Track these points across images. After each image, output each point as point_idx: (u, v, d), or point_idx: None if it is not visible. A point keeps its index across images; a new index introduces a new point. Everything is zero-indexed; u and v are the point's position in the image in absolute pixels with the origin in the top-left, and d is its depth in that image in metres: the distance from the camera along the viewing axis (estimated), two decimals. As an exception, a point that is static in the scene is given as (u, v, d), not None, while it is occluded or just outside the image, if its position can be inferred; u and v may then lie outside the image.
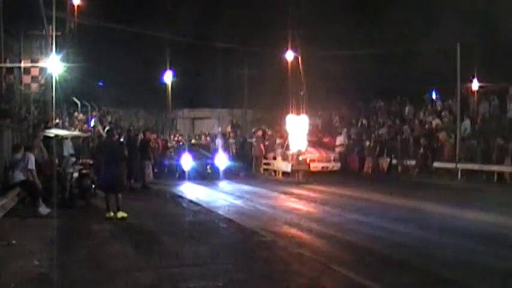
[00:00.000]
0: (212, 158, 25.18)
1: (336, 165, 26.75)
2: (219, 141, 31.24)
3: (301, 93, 35.05)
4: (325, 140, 29.93)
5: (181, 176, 23.84)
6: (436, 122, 26.92)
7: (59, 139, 16.47)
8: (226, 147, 30.22)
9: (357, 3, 34.10)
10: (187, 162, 24.19)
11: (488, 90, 27.51)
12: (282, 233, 11.08)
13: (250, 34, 34.84)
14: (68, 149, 15.49)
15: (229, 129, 38.21)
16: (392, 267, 8.30)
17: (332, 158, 26.87)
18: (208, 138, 34.24)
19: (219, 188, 20.43)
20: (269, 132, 33.66)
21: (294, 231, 11.47)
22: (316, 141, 28.71)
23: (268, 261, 8.56)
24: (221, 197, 17.65)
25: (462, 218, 12.67)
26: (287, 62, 34.56)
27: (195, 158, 24.53)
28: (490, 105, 26.17)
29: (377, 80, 32.19)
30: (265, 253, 9.09)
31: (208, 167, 24.48)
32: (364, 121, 32.14)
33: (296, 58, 34.55)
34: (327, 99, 35.19)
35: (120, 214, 12.76)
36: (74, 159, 15.82)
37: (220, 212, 14.04)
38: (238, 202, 16.34)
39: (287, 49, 34.09)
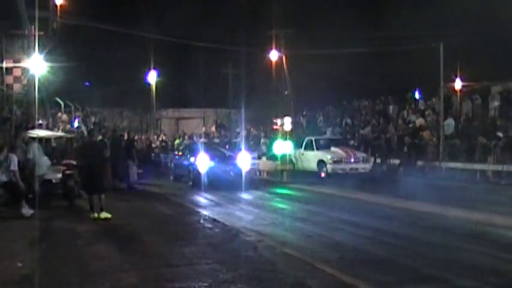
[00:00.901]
0: (234, 158, 21.06)
1: (366, 167, 23.82)
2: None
3: (286, 92, 35.22)
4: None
5: (196, 182, 19.90)
6: (419, 121, 27.08)
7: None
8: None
9: (342, 3, 34.23)
10: (204, 164, 19.91)
11: (471, 90, 27.78)
12: (267, 233, 11.07)
13: (236, 34, 34.87)
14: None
15: (213, 129, 38.25)
16: (377, 265, 8.33)
17: (361, 158, 23.85)
18: (196, 138, 34.05)
19: (202, 188, 19.20)
20: (254, 132, 33.74)
21: (279, 230, 11.48)
22: (339, 139, 26.73)
23: (254, 261, 8.55)
24: (205, 196, 17.59)
25: (446, 216, 12.73)
26: (271, 62, 34.63)
27: (213, 158, 20.35)
28: (473, 104, 26.39)
29: (361, 79, 32.32)
30: (250, 253, 9.08)
31: (229, 169, 20.17)
32: (349, 120, 32.27)
33: (281, 58, 34.65)
34: (311, 99, 35.34)
35: (104, 215, 12.69)
36: (47, 160, 15.57)
37: (205, 212, 14.01)
38: (223, 202, 16.31)
39: (271, 49, 34.17)
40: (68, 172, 15.37)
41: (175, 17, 35.01)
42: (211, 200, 16.79)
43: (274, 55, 34.24)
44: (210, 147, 22.64)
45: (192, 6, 36.85)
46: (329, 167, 22.89)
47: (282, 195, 18.12)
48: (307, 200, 16.85)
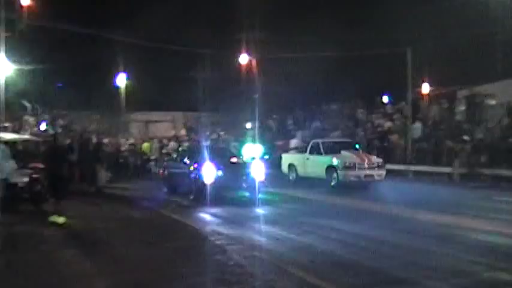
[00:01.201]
0: (247, 167, 17.41)
1: (382, 174, 20.68)
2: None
3: (255, 96, 35.26)
4: (279, 143, 29.87)
5: (200, 195, 16.30)
6: (388, 124, 27.39)
7: None
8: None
9: (313, 7, 34.48)
10: (211, 173, 16.37)
11: (438, 94, 28.28)
12: (237, 236, 11.06)
13: (207, 36, 34.77)
14: None
15: (183, 132, 38.06)
16: (347, 268, 8.37)
17: (376, 163, 20.80)
18: (166, 141, 33.75)
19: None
20: (224, 135, 33.69)
21: (249, 234, 11.46)
22: (350, 142, 23.32)
23: (224, 264, 8.53)
24: (174, 199, 17.40)
25: (415, 218, 12.88)
26: (241, 65, 34.65)
27: (222, 166, 16.76)
28: (440, 108, 26.84)
29: (331, 82, 32.59)
30: (220, 256, 9.05)
31: (242, 180, 16.85)
32: (318, 124, 32.45)
33: (251, 61, 34.69)
34: (281, 102, 35.46)
35: (54, 218, 12.52)
36: (13, 164, 15.30)
37: (174, 216, 13.92)
38: (193, 205, 16.20)
39: (241, 52, 34.19)
40: (34, 176, 15.15)
41: (146, 20, 34.81)
42: (179, 203, 16.63)
43: (244, 59, 34.26)
44: (216, 153, 18.45)
45: (164, 8, 36.67)
46: (340, 173, 20.03)
47: (252, 198, 18.06)
48: (276, 202, 16.83)
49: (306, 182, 21.57)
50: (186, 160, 18.25)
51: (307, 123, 33.38)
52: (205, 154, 17.41)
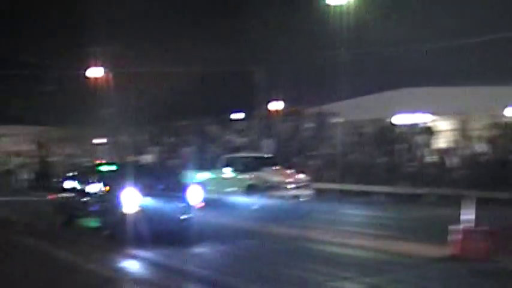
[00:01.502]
0: (183, 191, 12.85)
1: (309, 194, 18.21)
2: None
3: (106, 111, 34.55)
4: (131, 158, 29.34)
5: (119, 230, 11.84)
6: (240, 140, 28.05)
7: None
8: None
9: (169, 24, 34.60)
10: (133, 199, 11.96)
11: (289, 112, 29.57)
12: (94, 257, 10.65)
13: (57, 48, 33.57)
14: None
15: (30, 147, 36.38)
16: (204, 283, 8.46)
17: (302, 182, 18.37)
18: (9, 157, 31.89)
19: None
20: (69, 151, 32.65)
21: (109, 255, 11.01)
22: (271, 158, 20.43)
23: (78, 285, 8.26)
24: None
25: (271, 232, 13.20)
26: (90, 79, 33.77)
27: (148, 190, 12.38)
28: (290, 125, 28.00)
29: (186, 99, 32.80)
30: (73, 276, 8.75)
31: (176, 209, 12.37)
32: (172, 139, 32.46)
33: (103, 75, 33.94)
34: (135, 118, 35.09)
35: None
36: None
37: (29, 240, 13.11)
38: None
39: (90, 65, 33.28)
40: None
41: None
42: (38, 224, 15.71)
43: (92, 72, 33.31)
44: (140, 172, 13.77)
45: (13, 19, 34.94)
46: (264, 194, 17.47)
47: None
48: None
49: (219, 204, 17.92)
50: (94, 181, 13.77)
51: (163, 139, 33.27)
52: (126, 174, 12.80)
